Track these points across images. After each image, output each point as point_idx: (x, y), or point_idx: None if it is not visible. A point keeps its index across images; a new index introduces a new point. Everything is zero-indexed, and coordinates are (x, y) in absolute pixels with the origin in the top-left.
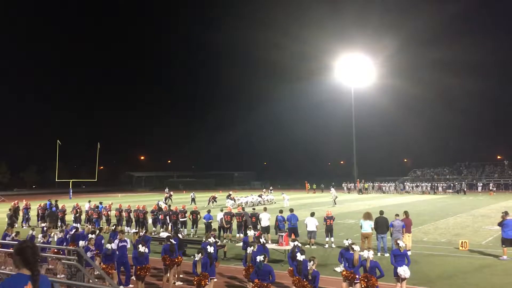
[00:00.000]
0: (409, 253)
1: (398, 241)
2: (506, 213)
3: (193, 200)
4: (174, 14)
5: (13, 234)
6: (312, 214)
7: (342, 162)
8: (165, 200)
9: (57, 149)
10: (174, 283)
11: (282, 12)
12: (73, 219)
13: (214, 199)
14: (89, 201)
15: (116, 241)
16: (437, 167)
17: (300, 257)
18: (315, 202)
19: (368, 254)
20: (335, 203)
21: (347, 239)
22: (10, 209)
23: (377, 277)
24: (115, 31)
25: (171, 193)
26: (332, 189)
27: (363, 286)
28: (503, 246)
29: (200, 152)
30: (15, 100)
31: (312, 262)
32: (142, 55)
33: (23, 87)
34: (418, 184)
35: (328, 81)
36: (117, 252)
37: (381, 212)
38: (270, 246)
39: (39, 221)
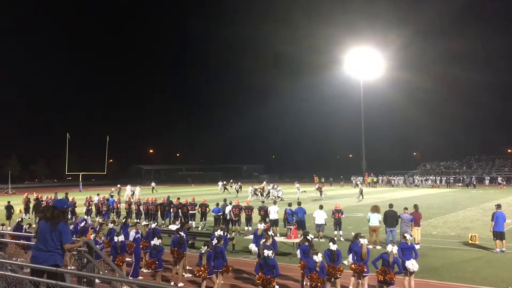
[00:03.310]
0: (418, 246)
1: (405, 234)
2: (498, 206)
3: (237, 191)
4: (182, 10)
5: (26, 226)
6: (321, 207)
7: (350, 156)
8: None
9: (67, 142)
10: (183, 275)
11: (291, 5)
12: (85, 211)
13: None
14: (98, 194)
15: (132, 232)
16: (446, 161)
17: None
18: (324, 195)
19: (392, 249)
20: (362, 197)
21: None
22: (8, 202)
23: (395, 272)
24: (124, 28)
25: (119, 186)
26: (359, 183)
27: (380, 279)
28: (494, 239)
29: (208, 146)
30: (26, 94)
31: (319, 255)
32: (150, 50)
33: (34, 81)
34: (427, 177)
35: (337, 74)
36: (134, 244)
37: (390, 205)
38: (278, 239)
39: (27, 214)
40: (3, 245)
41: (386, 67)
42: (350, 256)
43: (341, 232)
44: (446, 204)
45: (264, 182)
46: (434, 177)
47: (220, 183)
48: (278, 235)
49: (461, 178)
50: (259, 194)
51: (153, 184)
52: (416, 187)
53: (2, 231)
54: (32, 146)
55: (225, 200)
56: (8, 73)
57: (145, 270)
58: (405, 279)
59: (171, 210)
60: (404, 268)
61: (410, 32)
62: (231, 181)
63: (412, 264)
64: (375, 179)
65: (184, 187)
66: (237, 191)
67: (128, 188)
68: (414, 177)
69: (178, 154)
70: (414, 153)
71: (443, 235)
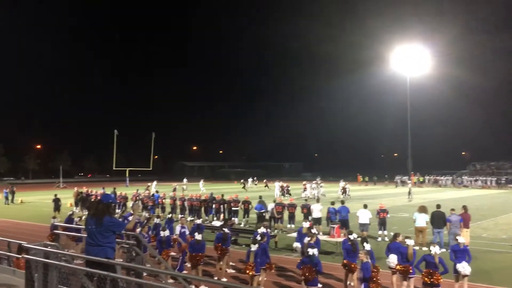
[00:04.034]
0: None
1: (458, 237)
2: None
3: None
4: (225, 8)
5: (77, 219)
6: (365, 207)
7: (395, 155)
8: (174, 190)
9: (115, 139)
10: (226, 271)
11: (335, 2)
12: (131, 206)
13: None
14: (137, 190)
15: (178, 227)
16: (497, 161)
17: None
18: (367, 194)
19: (435, 250)
20: (410, 197)
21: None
22: (55, 195)
23: (440, 273)
24: (168, 26)
25: (148, 184)
26: (409, 182)
27: (426, 281)
28: None
29: (251, 143)
30: (77, 94)
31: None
32: (195, 48)
33: (84, 81)
34: (477, 178)
35: (382, 72)
36: (180, 238)
37: (438, 206)
38: (321, 237)
39: (77, 207)
40: (56, 236)
41: (435, 63)
42: (391, 257)
43: (385, 232)
44: (497, 205)
45: (318, 179)
46: (484, 178)
47: (249, 180)
48: (321, 233)
49: None
50: (285, 191)
51: (185, 180)
52: (465, 188)
53: (55, 223)
54: (83, 143)
55: (260, 197)
56: (61, 70)
57: (188, 264)
58: (456, 283)
59: (213, 206)
60: (455, 271)
61: (461, 27)
62: (255, 178)
63: (463, 267)
64: (421, 179)
65: (227, 184)
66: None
67: (154, 184)
68: (463, 177)
69: (221, 151)
70: (463, 153)
71: (493, 237)
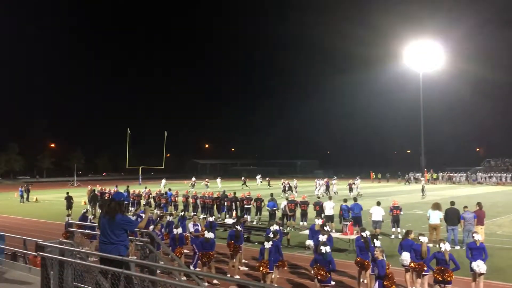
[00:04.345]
0: None
1: (474, 235)
2: None
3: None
4: (233, 3)
5: (91, 217)
6: (378, 204)
7: (408, 151)
8: (191, 187)
9: (128, 138)
10: (239, 268)
11: None
12: (144, 203)
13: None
14: (146, 187)
15: (190, 225)
16: None
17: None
18: (380, 191)
19: (445, 247)
20: (424, 194)
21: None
22: (67, 193)
23: (452, 269)
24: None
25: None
26: (422, 179)
27: (438, 278)
28: None
29: (263, 141)
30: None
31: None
32: (205, 45)
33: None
34: (491, 174)
35: (395, 67)
36: (192, 236)
37: (452, 203)
38: (334, 235)
39: (90, 205)
40: (71, 234)
41: (447, 59)
42: (404, 254)
43: (399, 230)
44: None
45: (334, 178)
46: (499, 174)
47: (257, 177)
48: (333, 231)
49: None
50: (287, 188)
51: (193, 179)
52: (480, 185)
53: (69, 221)
54: (96, 141)
55: (272, 194)
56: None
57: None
58: (473, 283)
59: (225, 204)
60: (471, 269)
61: (475, 21)
62: (260, 176)
63: (478, 266)
64: (435, 176)
65: (239, 181)
66: (295, 187)
67: (163, 182)
68: (477, 174)
69: (232, 149)
70: (477, 149)
71: (509, 234)
